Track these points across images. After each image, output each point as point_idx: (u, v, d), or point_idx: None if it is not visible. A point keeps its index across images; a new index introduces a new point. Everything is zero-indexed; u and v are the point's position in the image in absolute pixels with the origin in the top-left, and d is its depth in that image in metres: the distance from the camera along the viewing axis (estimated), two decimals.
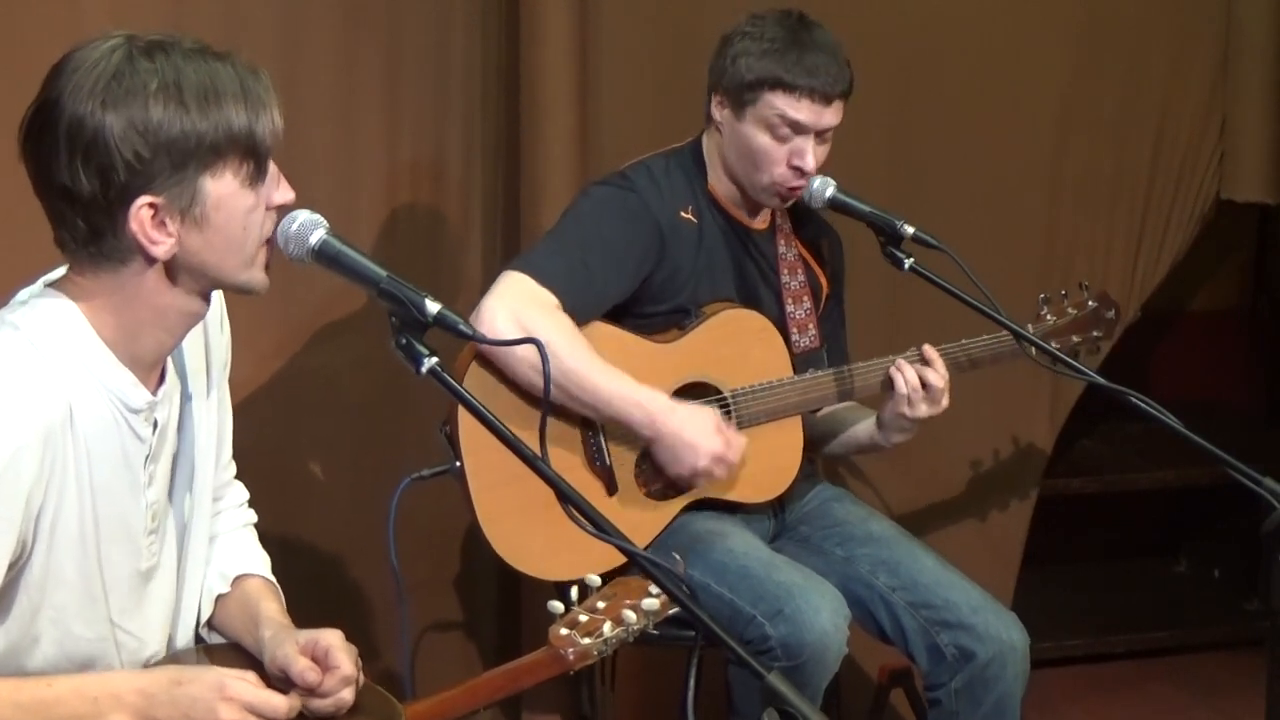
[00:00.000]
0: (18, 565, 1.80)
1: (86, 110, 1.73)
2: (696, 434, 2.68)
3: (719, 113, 2.82)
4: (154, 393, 1.89)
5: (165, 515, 1.97)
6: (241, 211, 1.80)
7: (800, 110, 2.74)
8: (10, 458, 1.73)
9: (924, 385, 2.82)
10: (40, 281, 1.89)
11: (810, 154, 2.76)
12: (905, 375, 2.82)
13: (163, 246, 1.78)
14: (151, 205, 1.76)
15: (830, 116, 2.77)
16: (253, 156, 1.79)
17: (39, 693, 1.78)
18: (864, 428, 2.97)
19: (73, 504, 1.81)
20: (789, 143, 2.76)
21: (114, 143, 1.73)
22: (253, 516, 2.24)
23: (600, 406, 2.68)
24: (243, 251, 1.83)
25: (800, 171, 2.76)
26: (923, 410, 2.83)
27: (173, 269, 1.81)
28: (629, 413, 2.68)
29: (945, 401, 2.85)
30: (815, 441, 3.06)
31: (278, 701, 1.81)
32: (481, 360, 2.65)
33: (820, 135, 2.77)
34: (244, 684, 1.81)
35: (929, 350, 2.86)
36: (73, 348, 1.81)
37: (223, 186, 1.78)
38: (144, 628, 1.96)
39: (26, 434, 1.74)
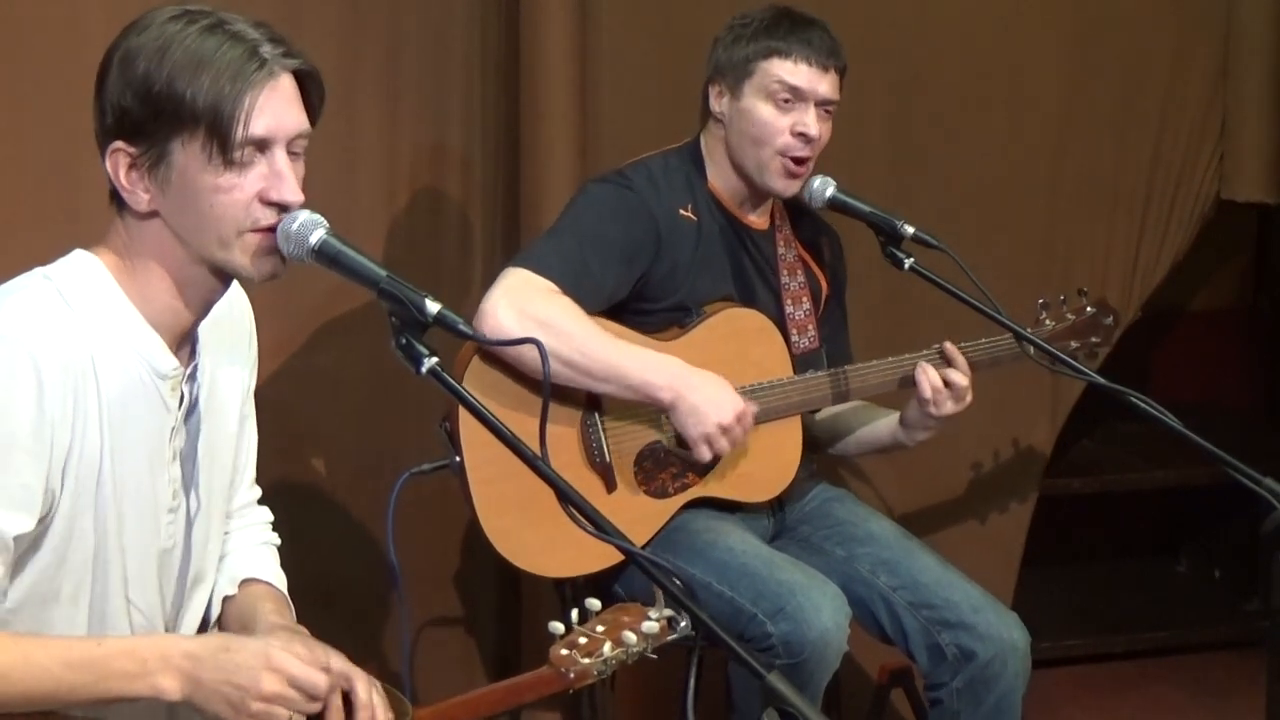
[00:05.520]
0: (46, 519, 1.82)
1: (110, 54, 1.84)
2: (717, 391, 2.70)
3: (719, 103, 2.84)
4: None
5: (183, 498, 1.98)
6: (203, 188, 1.82)
7: (798, 75, 2.76)
8: (35, 387, 1.76)
9: (948, 384, 2.83)
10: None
11: (814, 120, 2.77)
12: (929, 377, 2.83)
13: (135, 197, 1.84)
14: (126, 153, 1.83)
15: (827, 87, 2.79)
16: (215, 135, 1.80)
17: (89, 651, 1.79)
18: (884, 426, 2.97)
19: (94, 454, 1.83)
20: (790, 112, 2.77)
21: (110, 86, 1.83)
22: (275, 538, 2.24)
23: (621, 378, 2.67)
24: (214, 229, 1.84)
25: (805, 139, 2.77)
26: (949, 408, 2.84)
27: (164, 229, 1.85)
28: (649, 378, 2.68)
29: (969, 397, 2.86)
30: (824, 441, 3.06)
31: (318, 679, 1.82)
32: (483, 355, 2.65)
33: (820, 107, 2.79)
34: (289, 656, 1.81)
35: (950, 348, 2.86)
36: (101, 302, 1.85)
37: (188, 157, 1.82)
38: (151, 608, 1.97)
39: (48, 367, 1.77)
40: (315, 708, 1.82)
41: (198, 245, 1.85)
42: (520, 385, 2.64)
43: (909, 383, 2.87)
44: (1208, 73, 3.78)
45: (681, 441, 2.76)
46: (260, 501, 2.26)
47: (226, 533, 2.13)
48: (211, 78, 1.79)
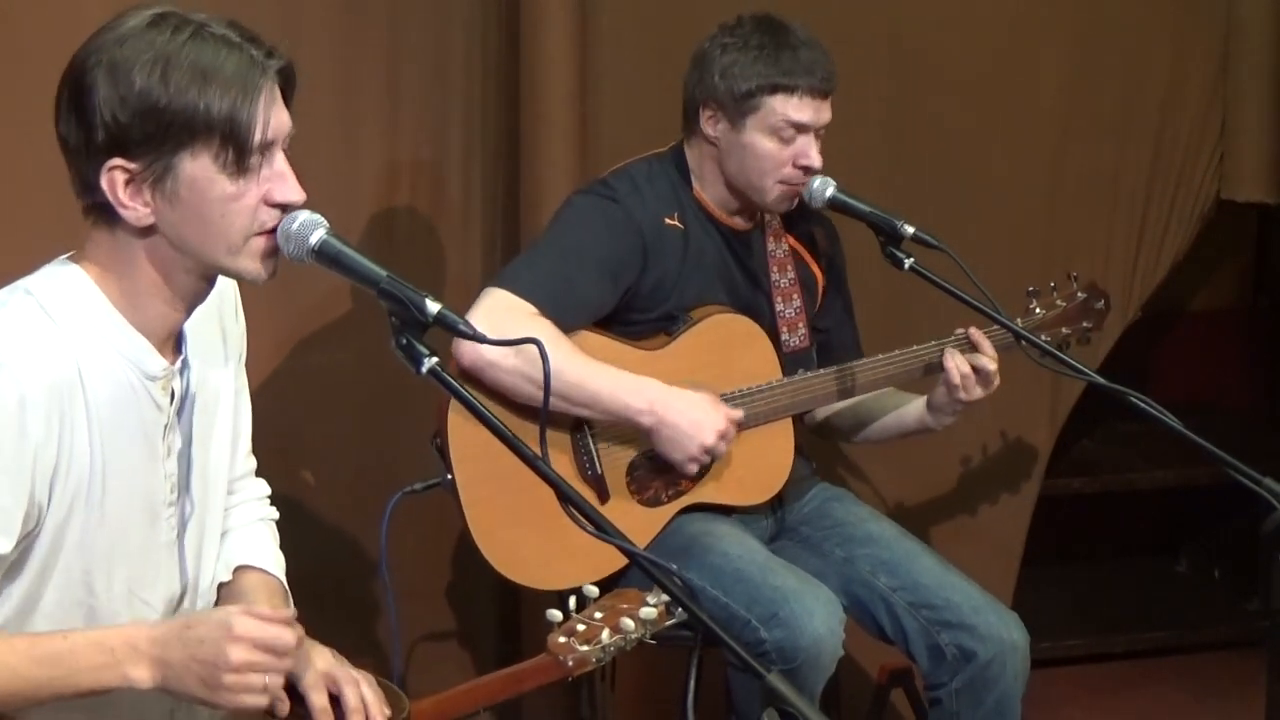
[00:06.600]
0: (32, 533, 1.81)
1: (88, 66, 1.79)
2: (699, 413, 2.68)
3: (712, 127, 2.81)
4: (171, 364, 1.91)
5: (180, 491, 1.98)
6: (217, 197, 1.81)
7: (803, 110, 2.75)
8: (16, 409, 1.75)
9: (976, 370, 2.82)
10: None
11: (815, 151, 2.77)
12: (957, 364, 2.82)
13: (135, 213, 1.81)
14: (125, 170, 1.79)
15: (827, 111, 2.79)
16: (232, 144, 1.79)
17: (55, 646, 1.78)
18: (911, 411, 2.96)
19: (84, 465, 1.82)
20: (792, 145, 2.76)
21: (98, 102, 1.77)
22: (273, 513, 2.23)
23: (596, 402, 2.67)
24: (224, 237, 1.83)
25: (807, 170, 2.77)
26: (977, 393, 2.84)
27: (161, 241, 1.83)
28: (627, 403, 2.68)
29: (997, 381, 2.85)
30: (849, 429, 3.06)
31: (285, 635, 1.80)
32: (464, 379, 2.62)
33: (818, 131, 2.78)
34: (250, 620, 1.79)
35: (975, 334, 2.85)
36: (85, 313, 1.83)
37: (198, 168, 1.79)
38: (163, 601, 1.97)
39: (32, 389, 1.76)
40: (289, 664, 1.81)
41: (202, 254, 1.84)
42: (505, 410, 2.62)
43: (934, 369, 2.86)
44: (1208, 73, 3.78)
45: None
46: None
47: (226, 509, 2.13)
48: (221, 88, 1.77)
